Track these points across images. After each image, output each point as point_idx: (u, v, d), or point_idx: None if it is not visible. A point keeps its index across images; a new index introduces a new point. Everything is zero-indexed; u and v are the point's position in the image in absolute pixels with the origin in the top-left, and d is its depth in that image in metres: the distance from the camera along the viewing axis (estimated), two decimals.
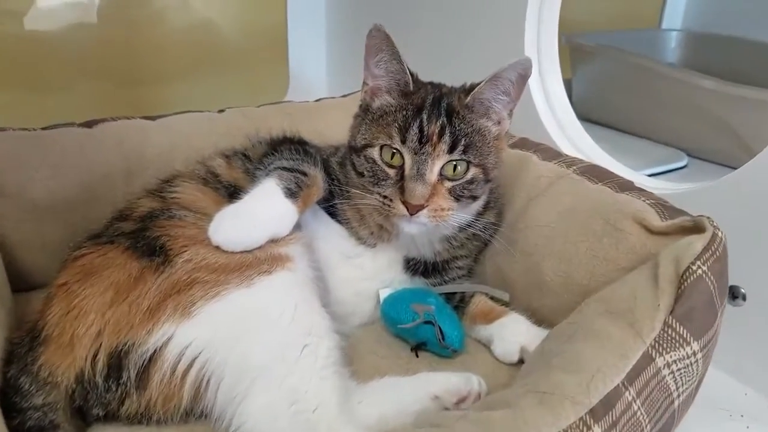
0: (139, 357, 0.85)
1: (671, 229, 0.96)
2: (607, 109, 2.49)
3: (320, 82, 2.49)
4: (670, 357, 0.79)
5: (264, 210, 0.99)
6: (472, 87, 1.06)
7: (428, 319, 1.05)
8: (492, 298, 1.17)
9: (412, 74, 1.08)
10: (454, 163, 1.02)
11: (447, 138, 1.01)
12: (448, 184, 1.03)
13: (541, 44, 1.51)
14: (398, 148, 1.03)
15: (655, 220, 0.98)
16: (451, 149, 1.02)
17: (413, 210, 1.00)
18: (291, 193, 1.00)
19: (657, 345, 0.79)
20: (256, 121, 1.37)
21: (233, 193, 1.08)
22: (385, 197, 1.03)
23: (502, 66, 1.01)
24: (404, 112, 1.04)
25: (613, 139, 2.37)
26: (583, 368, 0.76)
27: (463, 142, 1.02)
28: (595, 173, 1.16)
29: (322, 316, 0.94)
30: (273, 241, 0.97)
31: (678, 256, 0.85)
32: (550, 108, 1.54)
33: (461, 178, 1.03)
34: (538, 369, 0.83)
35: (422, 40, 1.84)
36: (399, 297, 1.12)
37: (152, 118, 1.34)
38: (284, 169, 1.05)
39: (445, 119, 1.02)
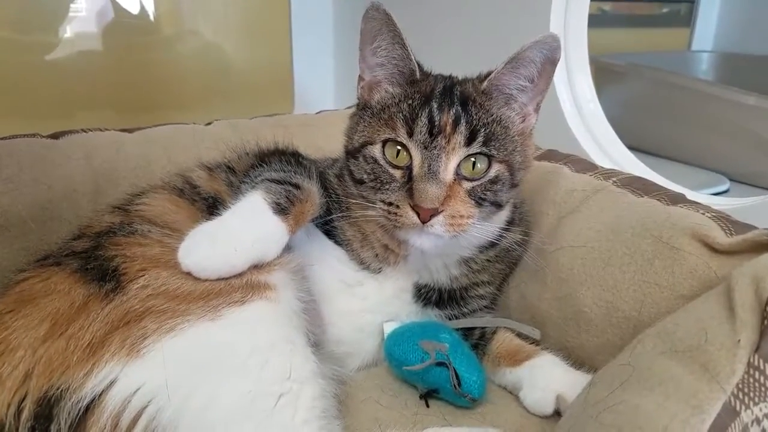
0: (74, 405, 0.68)
1: (742, 246, 0.79)
2: (639, 131, 2.34)
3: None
4: (760, 410, 0.61)
5: (247, 229, 0.83)
6: (489, 72, 0.91)
7: (441, 359, 0.88)
8: (519, 334, 1.00)
9: (417, 63, 0.92)
10: (473, 159, 0.87)
11: (463, 128, 0.86)
12: (468, 185, 0.87)
13: (567, 41, 1.35)
14: (404, 142, 0.87)
15: (720, 236, 0.82)
16: (469, 141, 0.86)
17: (425, 216, 0.83)
18: (281, 209, 0.85)
19: (741, 394, 0.61)
20: (248, 134, 1.23)
21: (213, 206, 0.94)
22: (390, 204, 0.87)
23: (522, 45, 0.85)
24: (410, 102, 0.90)
25: (646, 162, 2.22)
26: (646, 426, 0.59)
27: (482, 132, 0.87)
28: (639, 185, 1.01)
29: (306, 358, 0.78)
30: (255, 267, 0.81)
31: (757, 277, 0.68)
32: (580, 115, 1.37)
33: (483, 177, 0.88)
34: (584, 426, 0.64)
35: (437, 53, 1.70)
36: (406, 332, 0.95)
37: (130, 131, 1.20)
38: (273, 181, 0.90)
39: (459, 107, 0.87)
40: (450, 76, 0.96)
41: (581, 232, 0.97)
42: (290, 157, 1.04)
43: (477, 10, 1.64)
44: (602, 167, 1.10)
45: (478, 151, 0.86)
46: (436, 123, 0.86)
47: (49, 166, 1.06)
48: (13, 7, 1.97)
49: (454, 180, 0.86)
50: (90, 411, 0.68)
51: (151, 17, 2.19)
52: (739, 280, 0.69)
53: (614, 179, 1.02)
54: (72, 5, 2.04)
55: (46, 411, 0.68)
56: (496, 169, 0.88)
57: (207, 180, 1.02)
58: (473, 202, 0.87)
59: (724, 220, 0.85)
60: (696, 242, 0.83)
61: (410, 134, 0.86)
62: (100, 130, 1.18)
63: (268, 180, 0.90)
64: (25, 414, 0.68)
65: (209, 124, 1.32)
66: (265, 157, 1.05)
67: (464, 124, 0.86)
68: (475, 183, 0.87)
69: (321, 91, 2.41)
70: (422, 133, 0.86)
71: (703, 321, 0.69)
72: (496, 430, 0.81)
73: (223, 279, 0.78)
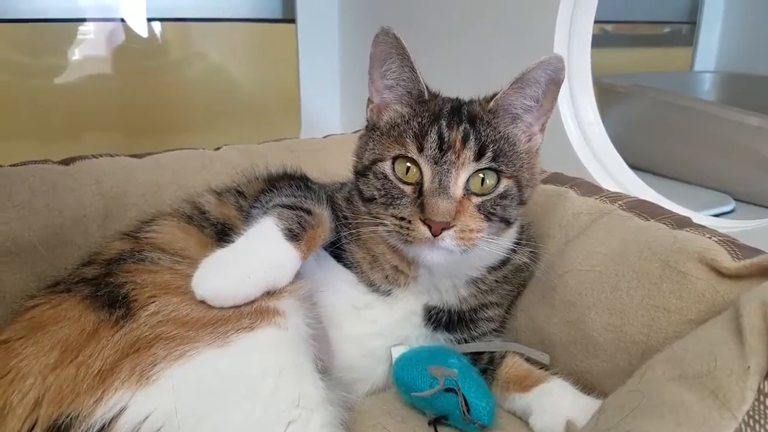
0: None
1: (750, 271, 0.79)
2: (642, 152, 2.34)
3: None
4: None
5: (260, 256, 0.83)
6: (496, 93, 0.93)
7: (450, 385, 0.87)
8: (528, 359, 0.99)
9: (425, 85, 0.95)
10: (482, 174, 0.88)
11: (472, 143, 0.87)
12: (477, 200, 0.88)
13: (571, 63, 1.36)
14: (414, 157, 0.88)
15: (727, 261, 0.82)
16: (478, 156, 0.87)
17: (437, 229, 0.84)
18: (293, 235, 0.85)
19: (752, 421, 0.61)
20: (257, 159, 1.24)
21: (222, 232, 0.94)
22: (401, 219, 0.87)
23: (527, 66, 0.86)
24: (419, 119, 0.91)
25: (650, 183, 2.21)
26: None
27: (491, 147, 0.88)
28: (645, 209, 1.00)
29: (314, 385, 0.77)
30: (266, 293, 0.81)
31: (766, 302, 0.68)
32: (584, 137, 1.38)
33: (492, 192, 0.89)
34: None
35: (442, 76, 1.71)
36: (414, 357, 0.94)
37: (139, 156, 1.21)
38: (285, 206, 0.90)
39: (467, 124, 0.89)
40: (457, 98, 0.97)
41: (588, 255, 0.96)
42: (299, 182, 1.04)
43: (481, 32, 1.66)
44: (608, 190, 1.10)
45: (487, 166, 0.87)
46: (446, 139, 0.87)
47: (61, 191, 1.07)
48: (22, 30, 2.00)
49: (464, 195, 0.87)
50: None
51: (159, 40, 2.22)
52: (747, 306, 0.69)
53: (620, 203, 1.02)
54: (81, 28, 2.07)
55: None
56: (505, 184, 0.89)
57: (216, 205, 1.02)
58: (482, 216, 0.87)
59: (730, 243, 0.85)
60: (703, 266, 0.83)
61: (420, 150, 0.87)
62: (110, 155, 1.19)
63: (280, 206, 0.90)
64: None
65: (218, 149, 1.32)
66: (274, 182, 1.05)
67: (473, 140, 0.87)
68: (484, 198, 0.88)
69: (328, 114, 2.42)
70: (432, 149, 0.87)
71: (712, 347, 0.68)
72: None
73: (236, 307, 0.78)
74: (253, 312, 0.78)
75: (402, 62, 0.91)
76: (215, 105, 2.34)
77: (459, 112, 0.91)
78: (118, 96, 2.20)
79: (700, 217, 1.27)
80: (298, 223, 0.87)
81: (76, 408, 0.69)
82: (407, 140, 0.88)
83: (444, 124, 0.88)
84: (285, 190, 0.99)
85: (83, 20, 2.07)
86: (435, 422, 0.90)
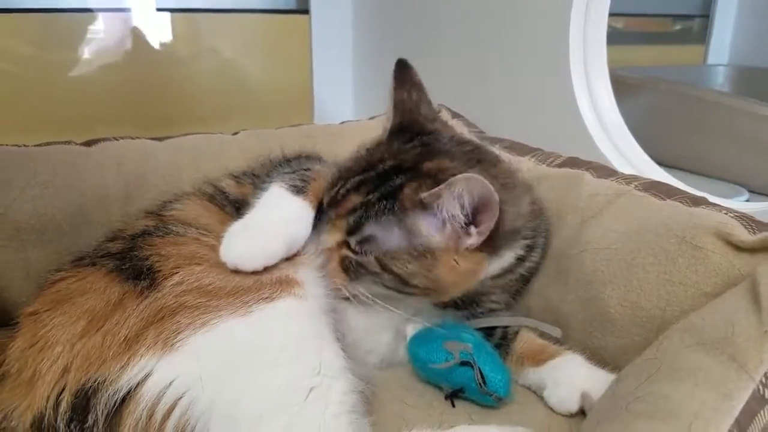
0: (110, 397, 0.70)
1: (766, 244, 0.79)
2: (655, 144, 2.30)
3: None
4: None
5: (275, 214, 0.89)
6: (440, 187, 0.81)
7: (465, 359, 0.87)
8: (542, 335, 0.99)
9: (399, 117, 0.96)
10: None
11: (351, 220, 0.88)
12: (343, 252, 0.90)
13: (587, 48, 1.37)
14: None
15: (743, 234, 0.82)
16: (350, 232, 0.88)
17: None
18: (298, 190, 0.91)
19: None
20: (273, 144, 1.24)
21: (240, 209, 0.97)
22: None
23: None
24: (348, 165, 0.94)
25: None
26: (677, 413, 0.59)
27: (366, 232, 0.87)
28: (661, 189, 1.01)
29: (335, 354, 0.79)
30: (286, 259, 0.85)
31: None
32: (600, 123, 1.39)
33: (356, 255, 0.89)
34: (614, 417, 0.65)
35: (453, 66, 1.72)
36: (430, 335, 0.95)
37: (159, 139, 1.23)
38: (286, 173, 0.97)
39: (372, 197, 0.87)
40: (435, 144, 0.94)
41: (605, 234, 0.97)
42: (311, 159, 1.08)
43: (495, 11, 1.66)
44: (624, 173, 1.10)
45: (354, 248, 0.88)
46: (338, 198, 0.90)
47: (82, 172, 1.09)
48: (31, 21, 2.01)
49: (337, 245, 0.90)
50: (126, 402, 0.70)
51: (170, 32, 2.22)
52: (765, 275, 0.70)
53: (636, 183, 1.03)
54: (91, 20, 2.08)
55: (83, 403, 0.70)
56: (370, 261, 0.87)
57: (234, 186, 1.05)
58: (342, 269, 0.90)
59: (747, 219, 0.85)
60: (719, 241, 0.83)
61: (328, 191, 0.92)
62: (131, 138, 1.21)
63: (282, 173, 0.97)
64: (63, 406, 0.70)
65: (236, 133, 1.34)
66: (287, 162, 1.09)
67: (354, 218, 0.87)
68: (349, 255, 0.89)
69: (341, 107, 2.42)
70: (327, 197, 0.91)
71: (729, 315, 0.69)
72: (525, 429, 0.79)
73: (267, 267, 0.82)
74: (274, 282, 0.80)
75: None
76: (227, 98, 2.33)
77: (388, 179, 0.87)
78: (130, 90, 2.20)
79: (715, 201, 1.27)
80: (300, 179, 0.93)
81: (103, 373, 0.71)
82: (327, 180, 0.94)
83: (351, 182, 0.90)
84: (293, 164, 1.04)
85: (90, 10, 2.07)
86: (452, 395, 0.91)
